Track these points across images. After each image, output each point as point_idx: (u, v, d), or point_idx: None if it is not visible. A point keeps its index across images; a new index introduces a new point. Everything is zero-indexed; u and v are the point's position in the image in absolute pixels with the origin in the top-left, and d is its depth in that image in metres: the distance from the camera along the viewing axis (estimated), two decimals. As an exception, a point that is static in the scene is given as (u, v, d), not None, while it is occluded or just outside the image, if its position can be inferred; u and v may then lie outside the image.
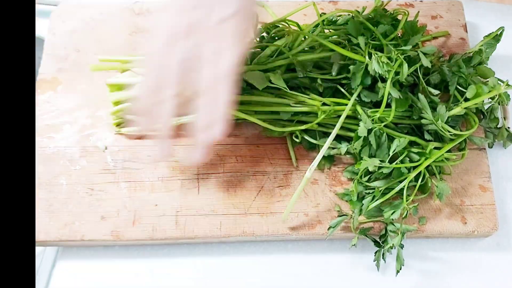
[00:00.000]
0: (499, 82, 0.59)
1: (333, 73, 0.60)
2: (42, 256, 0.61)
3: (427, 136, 0.60)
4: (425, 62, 0.57)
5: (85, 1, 0.70)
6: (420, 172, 0.57)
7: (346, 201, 0.60)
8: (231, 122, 0.52)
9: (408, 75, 0.57)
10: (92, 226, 0.57)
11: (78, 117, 0.63)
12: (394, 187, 0.57)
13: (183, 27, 0.51)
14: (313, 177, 0.61)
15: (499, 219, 0.61)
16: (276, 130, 0.60)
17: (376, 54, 0.56)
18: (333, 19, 0.64)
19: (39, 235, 0.57)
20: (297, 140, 0.60)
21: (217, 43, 0.51)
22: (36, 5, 0.74)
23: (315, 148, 0.62)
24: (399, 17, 0.63)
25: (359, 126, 0.57)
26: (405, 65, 0.56)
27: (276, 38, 0.62)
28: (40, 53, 0.66)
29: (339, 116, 0.58)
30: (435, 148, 0.59)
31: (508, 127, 0.65)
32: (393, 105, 0.57)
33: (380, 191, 0.57)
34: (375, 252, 0.58)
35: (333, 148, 0.60)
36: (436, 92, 0.59)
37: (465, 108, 0.58)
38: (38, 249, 0.61)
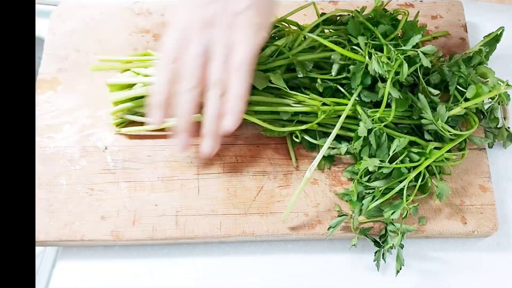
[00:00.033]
0: (499, 82, 0.59)
1: (333, 73, 0.60)
2: (42, 256, 0.61)
3: (427, 136, 0.60)
4: (425, 62, 0.57)
5: (85, 1, 0.70)
6: (420, 172, 0.57)
7: (346, 201, 0.60)
8: (242, 114, 0.53)
9: (408, 75, 0.57)
10: (92, 226, 0.57)
11: (78, 117, 0.63)
12: (394, 187, 0.57)
13: (198, 21, 0.52)
14: (313, 177, 0.61)
15: (499, 219, 0.61)
16: (276, 130, 0.60)
17: (376, 54, 0.56)
18: (333, 19, 0.64)
19: (39, 235, 0.57)
20: (297, 140, 0.60)
21: (231, 36, 0.52)
22: (36, 5, 0.74)
23: (315, 148, 0.62)
24: (399, 17, 0.63)
25: (359, 126, 0.57)
26: (405, 65, 0.56)
27: (276, 38, 0.62)
28: (40, 53, 0.66)
29: (339, 116, 0.58)
30: (435, 148, 0.59)
31: (508, 127, 0.65)
32: (393, 105, 0.57)
33: (380, 191, 0.57)
34: (375, 252, 0.58)
35: (333, 148, 0.60)
36: (436, 92, 0.59)
37: (465, 108, 0.58)
38: (38, 249, 0.61)
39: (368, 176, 0.58)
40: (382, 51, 0.58)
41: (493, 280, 0.60)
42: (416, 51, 0.57)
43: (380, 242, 0.58)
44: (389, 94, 0.56)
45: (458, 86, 0.60)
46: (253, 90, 0.59)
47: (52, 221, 0.57)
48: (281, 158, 0.62)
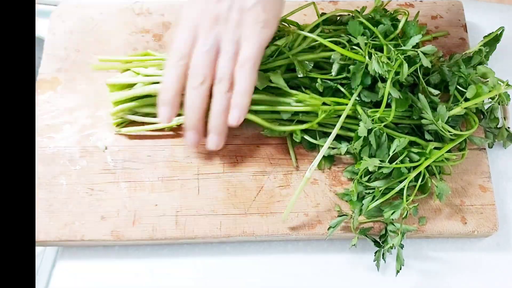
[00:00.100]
0: (499, 82, 0.59)
1: (333, 73, 0.60)
2: (42, 256, 0.61)
3: (427, 136, 0.60)
4: (425, 62, 0.57)
5: (85, 1, 0.70)
6: (420, 172, 0.57)
7: (346, 201, 0.60)
8: (247, 109, 0.54)
9: (408, 75, 0.57)
10: (92, 226, 0.57)
11: (78, 117, 0.63)
12: (394, 187, 0.57)
13: (207, 19, 0.54)
14: (313, 177, 0.61)
15: (499, 219, 0.61)
16: (276, 130, 0.60)
17: (376, 54, 0.56)
18: (333, 19, 0.64)
19: (39, 235, 0.57)
20: (297, 140, 0.60)
21: (238, 32, 0.53)
22: (36, 5, 0.74)
23: (315, 148, 0.62)
24: (399, 17, 0.63)
25: (359, 126, 0.57)
26: (405, 65, 0.56)
27: (276, 38, 0.62)
28: (40, 53, 0.66)
29: (339, 116, 0.58)
30: (435, 148, 0.59)
31: (508, 127, 0.65)
32: (393, 105, 0.57)
33: (380, 191, 0.57)
34: (375, 252, 0.58)
35: (333, 148, 0.60)
36: (436, 92, 0.59)
37: (465, 108, 0.58)
38: (38, 249, 0.61)
39: (368, 176, 0.58)
40: (382, 51, 0.58)
41: (493, 280, 0.60)
42: (416, 51, 0.57)
43: (380, 242, 0.58)
44: (389, 94, 0.56)
45: (458, 86, 0.60)
46: (254, 89, 0.59)
47: (52, 221, 0.57)
48: (281, 158, 0.62)
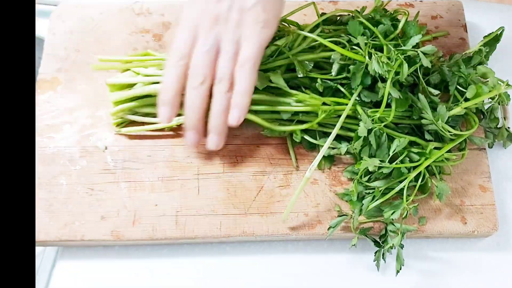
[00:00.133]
0: (499, 82, 0.59)
1: (333, 73, 0.60)
2: (42, 256, 0.61)
3: (427, 136, 0.60)
4: (425, 62, 0.57)
5: (85, 1, 0.70)
6: (420, 172, 0.57)
7: (346, 201, 0.60)
8: (247, 109, 0.54)
9: (408, 75, 0.57)
10: (92, 226, 0.57)
11: (78, 117, 0.63)
12: (394, 187, 0.57)
13: (207, 19, 0.54)
14: (313, 177, 0.61)
15: (499, 219, 0.61)
16: (276, 130, 0.60)
17: (376, 54, 0.56)
18: (333, 19, 0.64)
19: (39, 235, 0.57)
20: (297, 140, 0.60)
21: (238, 32, 0.54)
22: (36, 5, 0.74)
23: (315, 148, 0.62)
24: (399, 17, 0.63)
25: (359, 126, 0.57)
26: (405, 65, 0.56)
27: (276, 38, 0.62)
28: (40, 53, 0.66)
29: (339, 116, 0.58)
30: (435, 148, 0.59)
31: (508, 127, 0.65)
32: (393, 105, 0.57)
33: (380, 191, 0.57)
34: (375, 252, 0.58)
35: (333, 148, 0.60)
36: (436, 92, 0.59)
37: (465, 108, 0.58)
38: (38, 249, 0.61)
39: (368, 176, 0.58)
40: (382, 51, 0.58)
41: (493, 280, 0.60)
42: (416, 51, 0.57)
43: (380, 242, 0.58)
44: (389, 94, 0.56)
45: (458, 86, 0.60)
46: (254, 89, 0.59)
47: (52, 221, 0.57)
48: (281, 158, 0.62)
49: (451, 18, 0.72)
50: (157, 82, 0.59)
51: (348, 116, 0.58)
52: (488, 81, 0.60)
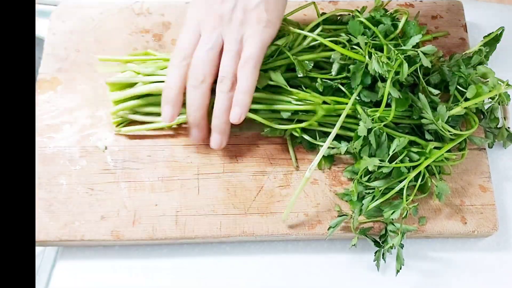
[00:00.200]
0: (499, 82, 0.59)
1: (333, 73, 0.60)
2: (42, 256, 0.61)
3: (427, 136, 0.60)
4: (425, 62, 0.57)
5: (85, 1, 0.70)
6: (420, 172, 0.57)
7: (346, 201, 0.60)
8: (249, 107, 0.55)
9: (408, 75, 0.57)
10: (92, 226, 0.57)
11: (78, 117, 0.63)
12: (394, 187, 0.57)
13: (211, 19, 0.55)
14: (313, 177, 0.61)
15: (499, 219, 0.61)
16: (277, 129, 0.60)
17: (376, 53, 0.56)
18: (334, 19, 0.64)
19: (39, 235, 0.57)
20: (296, 135, 0.60)
21: (241, 32, 0.55)
22: (36, 5, 0.74)
23: (315, 148, 0.62)
24: (399, 17, 0.63)
25: (359, 125, 0.57)
26: (405, 65, 0.56)
27: (276, 37, 0.62)
28: (40, 53, 0.66)
29: (338, 116, 0.58)
30: (435, 148, 0.59)
31: (508, 127, 0.65)
32: (393, 105, 0.57)
33: (380, 191, 0.57)
34: (375, 252, 0.58)
35: (333, 148, 0.60)
36: (436, 92, 0.59)
37: (465, 108, 0.58)
38: (38, 249, 0.61)
39: (368, 176, 0.58)
40: (382, 50, 0.58)
41: (493, 280, 0.60)
42: (416, 51, 0.57)
43: (380, 242, 0.58)
44: (389, 93, 0.56)
45: (458, 86, 0.60)
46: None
47: (52, 221, 0.57)
48: (281, 158, 0.62)
49: (451, 18, 0.72)
50: (157, 82, 0.59)
51: (348, 116, 0.58)
52: (488, 81, 0.60)
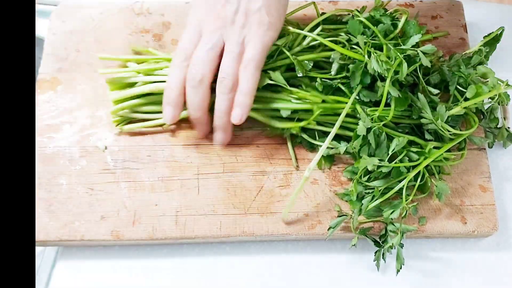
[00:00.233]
0: (499, 82, 0.59)
1: (333, 72, 0.60)
2: (42, 256, 0.61)
3: (427, 136, 0.60)
4: (425, 61, 0.57)
5: (85, 1, 0.70)
6: (419, 172, 0.57)
7: (346, 201, 0.60)
8: (250, 108, 0.56)
9: (408, 75, 0.57)
10: (92, 226, 0.57)
11: (78, 117, 0.63)
12: (394, 187, 0.57)
13: (213, 21, 0.55)
14: (313, 177, 0.61)
15: (499, 219, 0.61)
16: (277, 127, 0.60)
17: (376, 53, 0.56)
18: (333, 19, 0.64)
19: (39, 235, 0.57)
20: (297, 136, 0.60)
21: (243, 34, 0.55)
22: (36, 5, 0.74)
23: (315, 148, 0.62)
24: (399, 16, 0.63)
25: (358, 125, 0.57)
26: (405, 64, 0.56)
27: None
28: (40, 53, 0.66)
29: (338, 115, 0.58)
30: (435, 147, 0.59)
31: (508, 127, 0.65)
32: (393, 104, 0.57)
33: (380, 190, 0.57)
34: (375, 252, 0.58)
35: (332, 148, 0.60)
36: (436, 91, 0.59)
37: (465, 108, 0.58)
38: (38, 249, 0.61)
39: (368, 175, 0.58)
40: (381, 50, 0.58)
41: (493, 280, 0.60)
42: (416, 51, 0.57)
43: (380, 242, 0.58)
44: (389, 93, 0.56)
45: (458, 86, 0.60)
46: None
47: (52, 221, 0.57)
48: (281, 158, 0.62)
49: (451, 18, 0.72)
50: (157, 81, 0.59)
51: (347, 115, 0.58)
52: (488, 81, 0.60)
